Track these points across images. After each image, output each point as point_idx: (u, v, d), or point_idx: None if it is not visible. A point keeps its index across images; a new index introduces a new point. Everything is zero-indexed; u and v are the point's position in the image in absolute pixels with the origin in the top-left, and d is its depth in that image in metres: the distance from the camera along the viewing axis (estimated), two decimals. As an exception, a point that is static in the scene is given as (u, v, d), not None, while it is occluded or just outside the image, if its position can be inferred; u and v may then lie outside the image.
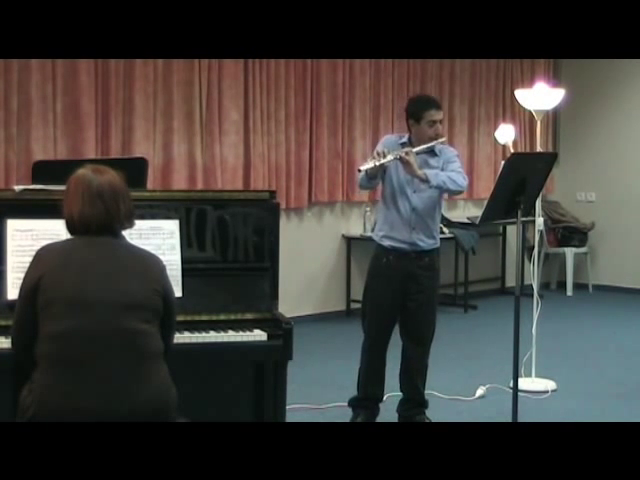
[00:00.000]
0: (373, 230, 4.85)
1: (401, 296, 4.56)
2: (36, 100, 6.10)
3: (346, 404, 4.91)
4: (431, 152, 4.54)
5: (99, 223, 2.82)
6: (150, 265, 2.89)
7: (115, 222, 2.86)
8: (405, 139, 4.59)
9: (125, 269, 2.82)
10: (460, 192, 4.67)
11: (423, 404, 4.74)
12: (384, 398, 4.76)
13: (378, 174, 4.45)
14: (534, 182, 4.29)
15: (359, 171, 4.40)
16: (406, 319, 4.62)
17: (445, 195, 4.80)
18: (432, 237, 4.59)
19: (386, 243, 4.56)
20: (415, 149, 4.44)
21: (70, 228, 2.88)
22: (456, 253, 8.52)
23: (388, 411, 4.76)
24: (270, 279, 3.71)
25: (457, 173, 4.50)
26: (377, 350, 4.63)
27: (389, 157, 4.34)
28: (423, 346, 4.66)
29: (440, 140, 4.54)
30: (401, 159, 4.36)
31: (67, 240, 2.92)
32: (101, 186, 2.84)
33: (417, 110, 4.52)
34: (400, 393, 4.76)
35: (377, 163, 4.32)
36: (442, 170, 4.50)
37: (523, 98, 6.22)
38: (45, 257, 2.82)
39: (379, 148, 4.56)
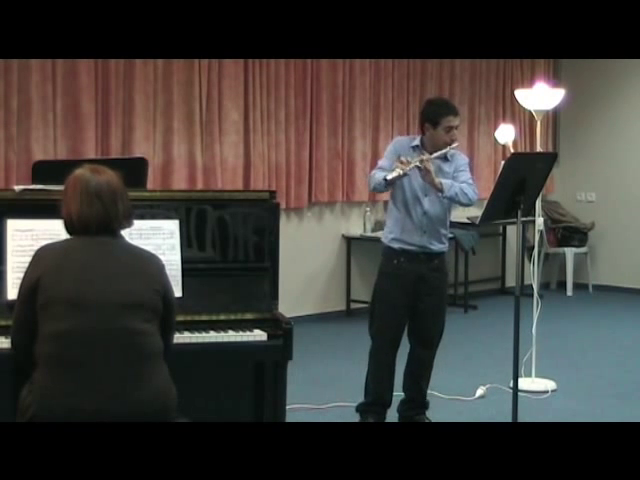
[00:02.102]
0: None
1: (412, 298, 4.55)
2: (36, 100, 6.10)
3: (346, 404, 4.92)
4: (444, 157, 4.52)
5: (98, 223, 2.82)
6: (149, 264, 2.89)
7: (114, 222, 2.86)
8: (417, 142, 4.56)
9: (124, 269, 2.82)
10: (469, 205, 4.61)
11: (424, 405, 4.73)
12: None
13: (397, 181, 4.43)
14: (534, 182, 4.28)
15: (385, 180, 4.33)
16: (416, 321, 4.60)
17: None
18: (442, 242, 4.60)
19: (396, 245, 4.54)
20: (433, 156, 4.42)
21: (69, 228, 2.88)
22: (456, 253, 8.51)
23: (388, 410, 4.75)
24: (270, 279, 3.71)
25: (469, 185, 4.49)
26: (387, 354, 4.59)
27: (411, 165, 4.31)
28: (432, 349, 4.66)
29: (454, 145, 4.52)
30: (421, 167, 4.35)
31: (66, 240, 2.92)
32: (99, 186, 2.83)
33: (435, 115, 4.48)
34: (401, 393, 4.75)
35: (401, 172, 4.27)
36: (452, 177, 4.49)
37: (523, 98, 6.22)
38: (44, 257, 2.82)
39: (391, 149, 4.56)
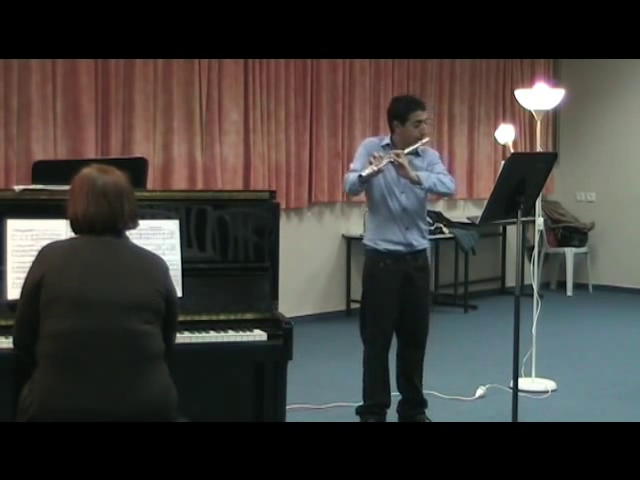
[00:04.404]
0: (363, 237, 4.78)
1: (399, 298, 4.57)
2: (36, 100, 6.10)
3: (346, 404, 4.92)
4: (414, 153, 4.54)
5: (103, 222, 2.82)
6: (153, 266, 2.89)
7: (119, 222, 2.86)
8: (387, 140, 4.58)
9: (128, 269, 2.82)
10: (449, 194, 4.68)
11: (423, 403, 4.74)
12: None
13: (371, 178, 4.44)
14: (534, 182, 4.28)
15: (360, 177, 4.35)
16: (405, 322, 4.62)
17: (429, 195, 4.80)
18: (424, 237, 4.65)
19: (382, 247, 4.55)
20: (405, 151, 4.44)
21: (74, 227, 2.88)
22: (456, 253, 8.52)
23: (388, 411, 4.75)
24: (270, 279, 3.71)
25: (444, 175, 4.54)
26: (381, 356, 4.61)
27: (385, 161, 4.34)
28: (422, 347, 4.68)
29: (425, 140, 4.54)
30: (395, 162, 4.36)
31: (71, 239, 2.92)
32: (106, 185, 2.84)
33: (403, 111, 4.51)
34: (398, 393, 4.75)
35: (375, 168, 4.30)
36: (427, 171, 4.52)
37: (523, 98, 6.22)
38: (48, 255, 2.82)
39: (362, 151, 4.57)
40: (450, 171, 4.79)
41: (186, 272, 3.49)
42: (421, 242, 4.61)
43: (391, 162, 4.36)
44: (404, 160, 4.38)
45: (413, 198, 4.53)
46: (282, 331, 3.48)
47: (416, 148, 4.50)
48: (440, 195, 4.77)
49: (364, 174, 4.33)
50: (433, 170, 4.53)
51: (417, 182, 4.42)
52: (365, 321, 4.65)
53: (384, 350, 4.62)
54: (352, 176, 4.44)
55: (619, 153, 9.48)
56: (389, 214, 4.54)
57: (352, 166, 4.57)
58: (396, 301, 4.57)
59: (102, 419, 2.62)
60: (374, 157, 4.34)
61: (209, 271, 3.64)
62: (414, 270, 4.58)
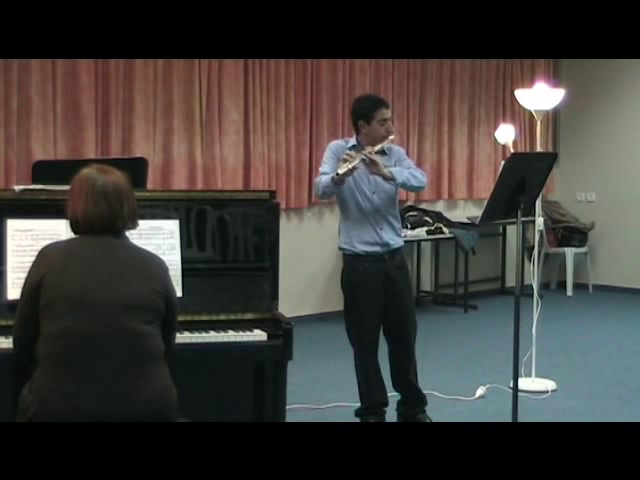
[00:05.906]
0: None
1: (382, 299, 4.57)
2: (36, 100, 6.10)
3: (346, 404, 4.92)
4: (381, 152, 4.52)
5: (102, 223, 2.82)
6: (152, 266, 2.89)
7: (119, 222, 2.86)
8: (353, 142, 4.58)
9: (127, 269, 2.82)
10: (421, 188, 4.68)
11: (423, 401, 4.73)
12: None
13: (345, 179, 4.41)
14: (534, 182, 4.29)
15: (337, 175, 4.32)
16: (391, 322, 4.62)
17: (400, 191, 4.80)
18: (398, 235, 4.64)
19: (360, 249, 4.53)
20: (375, 148, 4.43)
21: (74, 227, 2.88)
22: (456, 253, 8.52)
23: (387, 411, 4.75)
24: (270, 279, 3.72)
25: (415, 170, 4.57)
26: (371, 358, 4.61)
27: (358, 159, 4.33)
28: (412, 345, 4.68)
29: (391, 137, 4.54)
30: (367, 159, 4.36)
31: (70, 239, 2.92)
32: (105, 186, 2.84)
33: (368, 110, 4.50)
34: (396, 393, 4.75)
35: (350, 166, 4.28)
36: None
37: (523, 98, 6.22)
38: (48, 256, 2.82)
39: (329, 154, 4.57)
40: (419, 166, 4.79)
41: (186, 272, 3.49)
42: (397, 241, 4.61)
43: (363, 160, 4.36)
44: (376, 157, 4.39)
45: (385, 197, 4.54)
46: (282, 331, 3.48)
47: (383, 146, 4.49)
48: (413, 190, 4.78)
49: (340, 172, 4.28)
50: (402, 166, 4.56)
51: (390, 178, 4.42)
52: (351, 325, 4.62)
53: (373, 351, 4.61)
54: (324, 178, 4.43)
55: (619, 153, 9.48)
56: (362, 216, 4.53)
57: (321, 169, 4.55)
58: (380, 302, 4.56)
59: (102, 419, 2.62)
60: (348, 154, 4.33)
61: (209, 271, 3.64)
62: (393, 269, 4.58)
